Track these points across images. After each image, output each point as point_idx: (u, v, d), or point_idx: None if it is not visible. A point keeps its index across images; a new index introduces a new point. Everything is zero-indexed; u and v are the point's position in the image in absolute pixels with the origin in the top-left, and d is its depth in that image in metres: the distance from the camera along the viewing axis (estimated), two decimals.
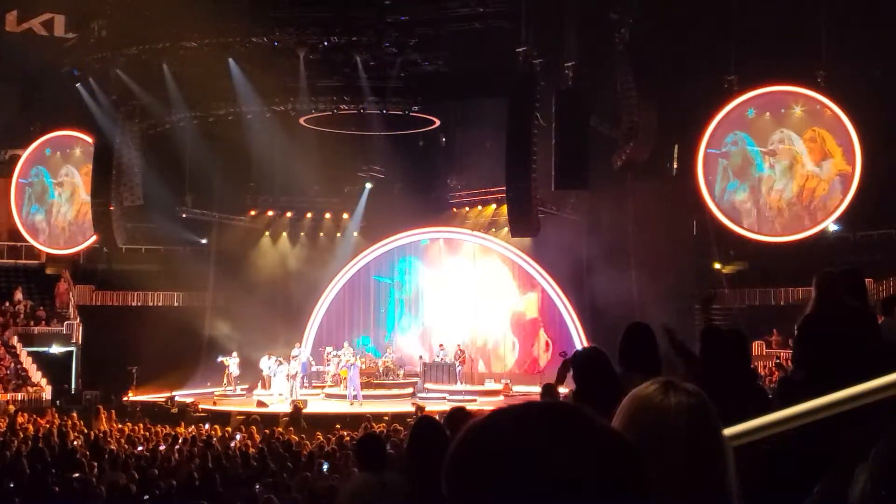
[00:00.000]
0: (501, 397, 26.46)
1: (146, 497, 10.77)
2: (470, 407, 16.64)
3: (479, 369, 30.67)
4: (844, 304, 5.41)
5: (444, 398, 25.47)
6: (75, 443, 15.99)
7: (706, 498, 1.60)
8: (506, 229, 28.18)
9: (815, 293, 5.57)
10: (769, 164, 25.58)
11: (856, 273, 5.99)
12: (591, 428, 1.22)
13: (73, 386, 30.62)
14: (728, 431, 1.73)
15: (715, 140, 25.75)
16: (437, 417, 7.05)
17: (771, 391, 7.85)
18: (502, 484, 1.16)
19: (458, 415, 5.97)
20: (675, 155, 28.11)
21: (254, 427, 19.49)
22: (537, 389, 23.83)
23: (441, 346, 29.71)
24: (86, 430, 19.00)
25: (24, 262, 33.55)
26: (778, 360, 23.23)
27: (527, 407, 1.25)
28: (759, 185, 25.68)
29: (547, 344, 30.46)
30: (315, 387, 28.81)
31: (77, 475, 11.46)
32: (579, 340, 28.25)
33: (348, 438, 15.88)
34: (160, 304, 32.80)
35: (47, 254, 32.99)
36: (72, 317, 32.15)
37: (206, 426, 21.04)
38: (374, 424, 18.97)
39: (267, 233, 34.11)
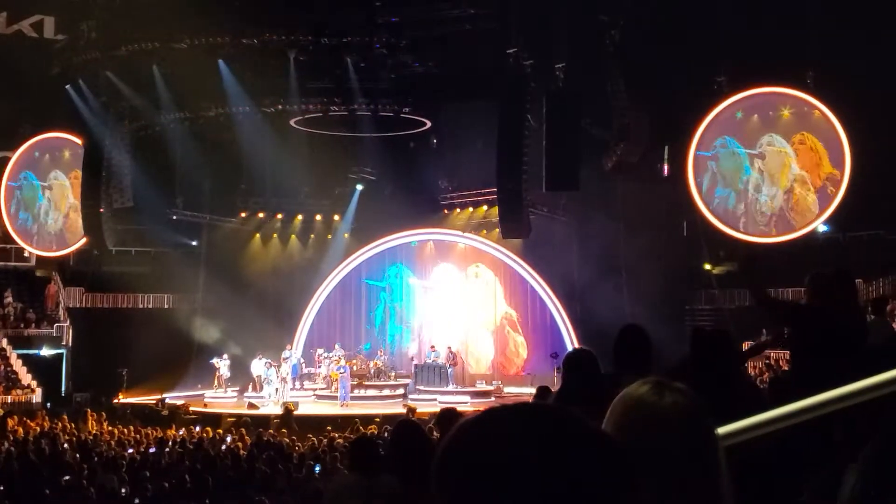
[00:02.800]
0: (493, 398, 26.44)
1: (137, 500, 10.74)
2: (461, 408, 16.66)
3: (471, 371, 30.63)
4: (840, 303, 5.44)
5: (434, 400, 25.45)
6: (65, 445, 15.94)
7: (700, 498, 1.61)
8: (497, 230, 28.18)
9: (812, 292, 5.59)
10: (757, 168, 25.61)
11: (846, 274, 6.02)
12: (580, 430, 1.22)
13: (63, 388, 30.49)
14: (721, 431, 1.73)
15: (704, 143, 25.79)
16: (428, 418, 7.06)
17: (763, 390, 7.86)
18: (492, 485, 1.16)
19: (448, 416, 5.99)
20: (666, 157, 28.16)
21: (244, 429, 19.44)
22: (528, 391, 23.89)
23: (432, 347, 29.68)
24: (76, 433, 18.95)
25: (13, 264, 33.37)
26: (768, 361, 23.28)
27: (515, 408, 1.24)
28: (748, 188, 25.71)
29: (538, 345, 30.45)
30: (306, 389, 28.75)
31: (67, 478, 11.43)
32: (570, 341, 28.27)
33: (340, 440, 15.88)
34: (150, 306, 32.70)
35: (37, 256, 32.84)
36: (62, 319, 32.01)
37: (197, 428, 20.96)
38: (363, 427, 18.92)
39: (257, 234, 34.03)
